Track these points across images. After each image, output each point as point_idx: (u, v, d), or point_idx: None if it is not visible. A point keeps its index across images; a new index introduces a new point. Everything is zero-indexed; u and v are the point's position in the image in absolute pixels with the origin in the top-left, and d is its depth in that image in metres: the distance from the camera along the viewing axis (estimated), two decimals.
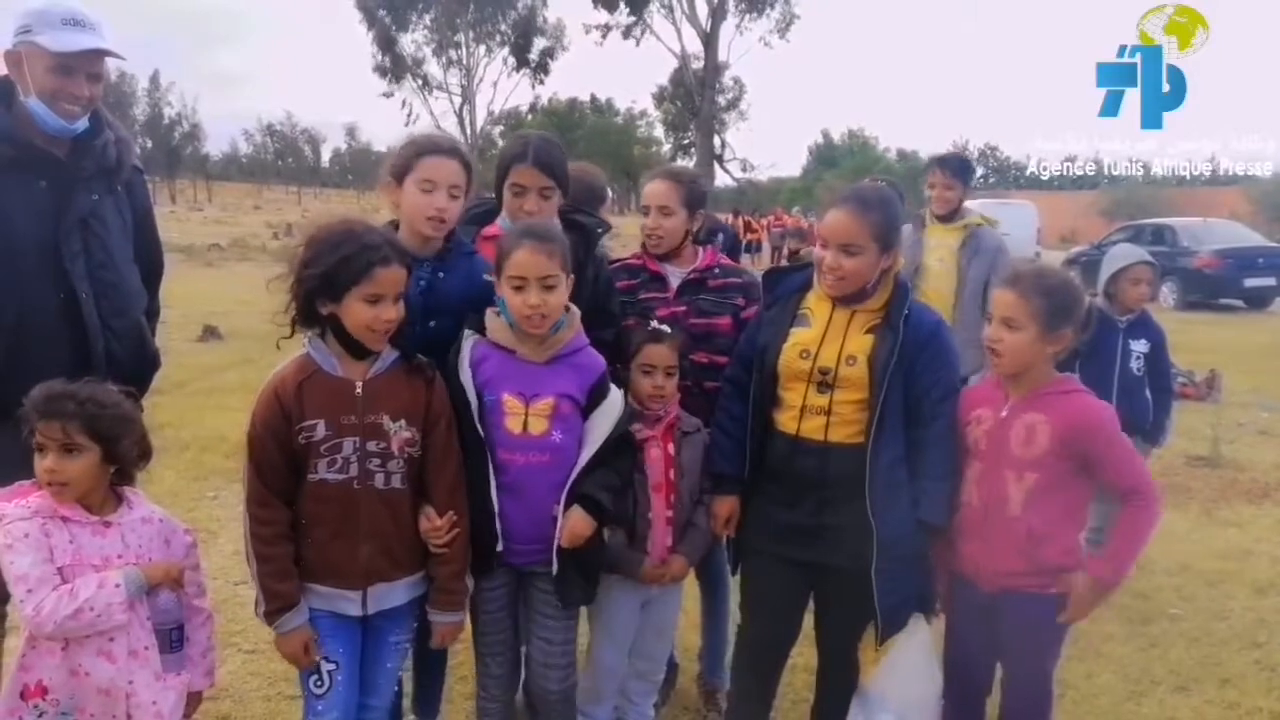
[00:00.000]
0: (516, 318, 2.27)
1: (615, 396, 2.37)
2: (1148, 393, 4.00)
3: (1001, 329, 2.36)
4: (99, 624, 1.92)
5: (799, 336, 2.45)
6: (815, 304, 2.48)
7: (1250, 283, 16.24)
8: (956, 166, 4.64)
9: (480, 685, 2.51)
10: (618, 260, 3.07)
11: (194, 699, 2.19)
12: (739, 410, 2.55)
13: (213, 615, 2.27)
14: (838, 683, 2.60)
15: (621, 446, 2.37)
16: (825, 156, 58.41)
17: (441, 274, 2.44)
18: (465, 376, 2.29)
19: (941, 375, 2.40)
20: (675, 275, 2.92)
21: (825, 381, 2.38)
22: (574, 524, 2.26)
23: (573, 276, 2.35)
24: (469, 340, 2.34)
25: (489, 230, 2.71)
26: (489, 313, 2.36)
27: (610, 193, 3.28)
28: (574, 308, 2.39)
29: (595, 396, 2.34)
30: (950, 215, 4.57)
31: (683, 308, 2.86)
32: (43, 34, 2.25)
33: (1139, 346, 3.98)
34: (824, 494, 2.41)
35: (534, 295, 2.24)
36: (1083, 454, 2.32)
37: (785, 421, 2.46)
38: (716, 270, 2.92)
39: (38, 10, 2.26)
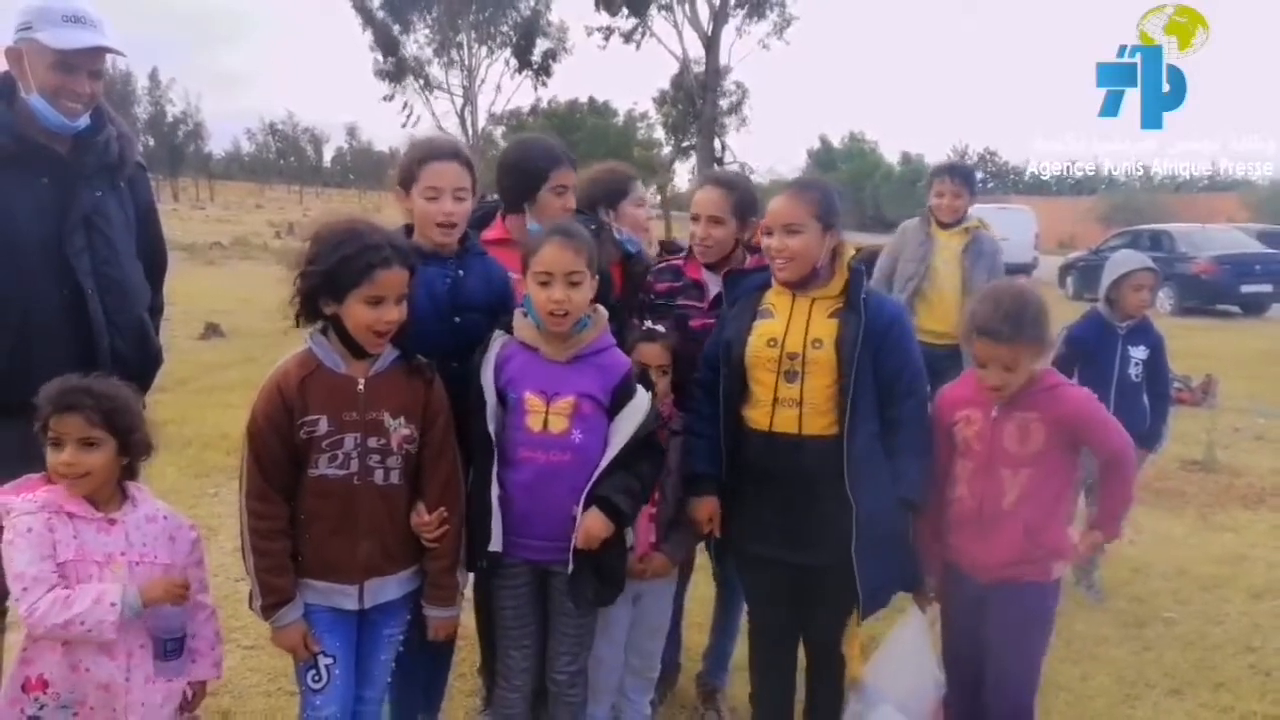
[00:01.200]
0: (540, 313, 2.30)
1: (641, 399, 2.37)
2: (1145, 399, 4.01)
3: (1003, 374, 2.38)
4: (89, 637, 1.93)
5: (763, 328, 2.50)
6: (775, 298, 2.54)
7: (1247, 289, 16.31)
8: (966, 175, 4.76)
9: (501, 676, 2.51)
10: (663, 260, 3.05)
11: (200, 689, 2.20)
12: (709, 409, 2.57)
13: (216, 610, 2.29)
14: (827, 678, 2.62)
15: (645, 450, 2.37)
16: (824, 160, 58.47)
17: (461, 272, 2.49)
18: (486, 376, 2.32)
19: (908, 357, 2.47)
20: (715, 284, 2.85)
21: (793, 369, 2.42)
22: (590, 526, 2.28)
23: (595, 279, 2.36)
24: (498, 340, 2.37)
25: (489, 234, 2.74)
26: (516, 313, 2.39)
27: (640, 188, 3.23)
28: (600, 308, 2.41)
29: (620, 398, 2.35)
30: (955, 221, 4.65)
31: (714, 320, 2.79)
32: (44, 30, 2.25)
33: (1138, 353, 4.00)
34: (801, 490, 2.43)
35: (559, 290, 2.27)
36: (1074, 440, 2.42)
37: (757, 418, 2.48)
38: None
39: (39, 7, 2.26)
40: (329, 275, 2.09)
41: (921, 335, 4.42)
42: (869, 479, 2.38)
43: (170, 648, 2.07)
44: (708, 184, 2.92)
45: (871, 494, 2.38)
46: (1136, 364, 4.00)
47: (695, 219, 2.86)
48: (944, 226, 4.65)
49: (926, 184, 4.94)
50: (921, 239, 4.69)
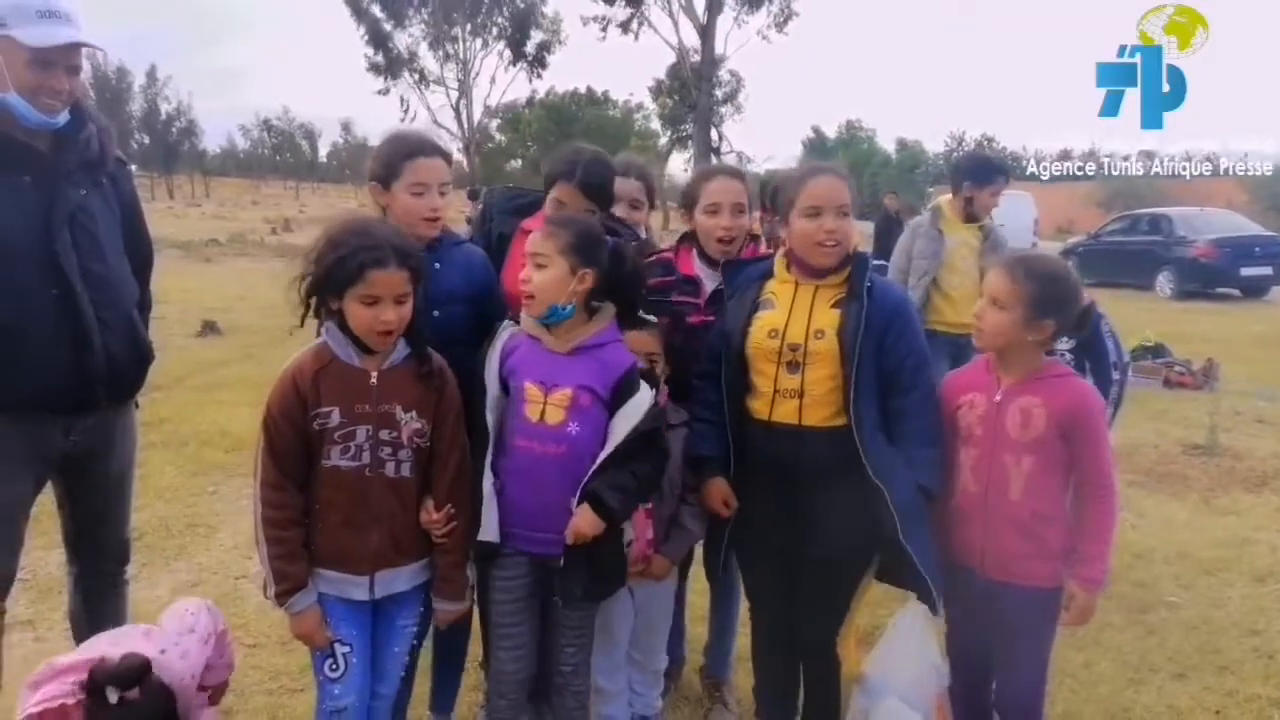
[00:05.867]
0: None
1: (641, 397, 2.32)
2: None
3: (988, 307, 2.37)
4: None
5: (765, 319, 2.46)
6: (777, 288, 2.50)
7: (1247, 272, 16.29)
8: (1009, 174, 4.92)
9: (491, 680, 2.47)
10: (655, 252, 2.97)
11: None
12: (715, 397, 2.54)
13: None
14: (824, 681, 2.59)
15: (644, 447, 2.31)
16: (819, 150, 58.31)
17: (438, 265, 2.46)
18: (491, 366, 2.33)
19: (914, 344, 2.42)
20: (709, 279, 2.80)
21: (795, 360, 2.39)
22: (577, 523, 2.25)
23: (588, 272, 2.29)
24: (505, 330, 2.39)
25: (528, 224, 2.70)
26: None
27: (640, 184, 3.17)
28: (609, 304, 2.38)
29: (622, 394, 2.31)
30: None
31: (712, 316, 2.73)
32: (18, 28, 2.19)
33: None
34: (799, 480, 2.41)
35: (526, 269, 2.31)
36: (1070, 437, 2.32)
37: (758, 408, 2.46)
38: None
39: (12, 3, 2.21)
40: (327, 273, 2.11)
41: (943, 326, 4.59)
42: (891, 466, 2.34)
43: None
44: (722, 175, 2.82)
45: (898, 480, 2.33)
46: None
47: (714, 211, 2.74)
48: (967, 221, 4.79)
49: (953, 179, 4.99)
50: (933, 235, 4.80)
